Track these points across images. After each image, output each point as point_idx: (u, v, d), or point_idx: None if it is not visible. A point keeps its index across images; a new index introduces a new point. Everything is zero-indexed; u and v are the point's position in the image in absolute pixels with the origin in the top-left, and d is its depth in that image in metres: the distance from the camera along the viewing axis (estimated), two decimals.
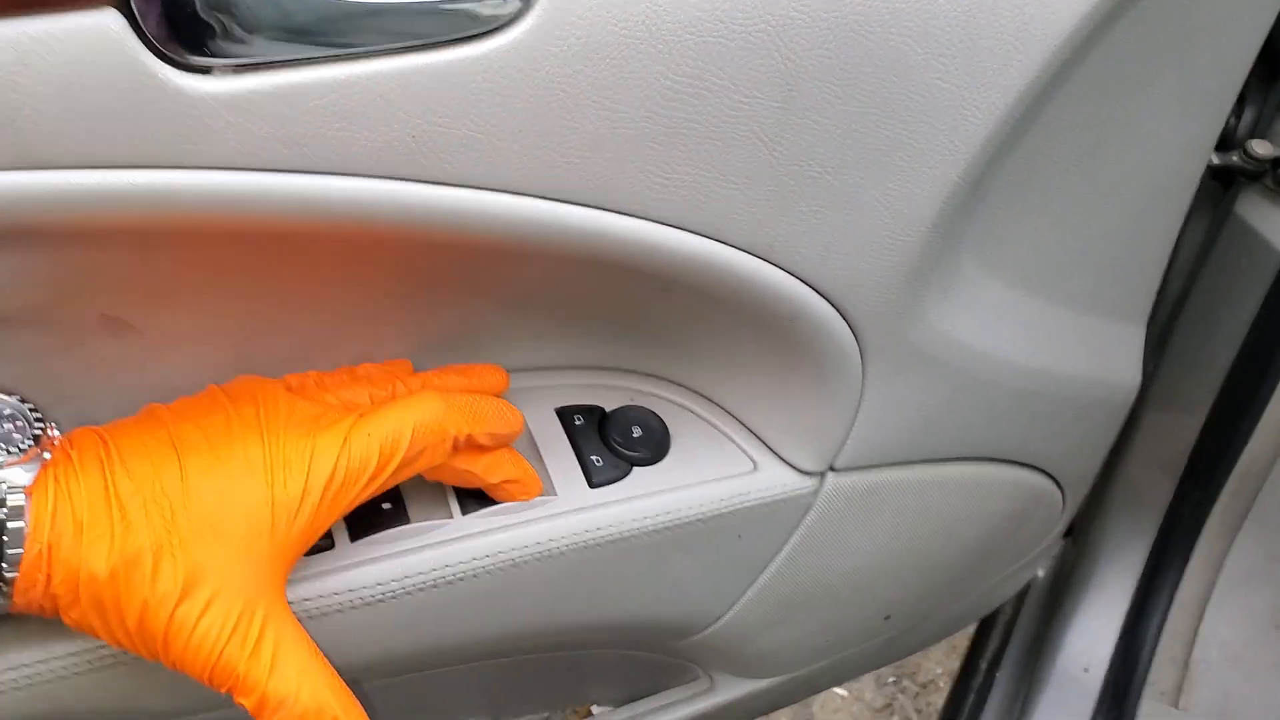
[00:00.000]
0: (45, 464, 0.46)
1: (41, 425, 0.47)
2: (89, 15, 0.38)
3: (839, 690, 1.47)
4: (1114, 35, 0.53)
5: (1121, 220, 0.65)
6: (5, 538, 0.43)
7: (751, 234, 0.52)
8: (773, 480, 0.63)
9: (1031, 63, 0.50)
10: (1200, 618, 0.98)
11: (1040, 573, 1.18)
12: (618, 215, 0.49)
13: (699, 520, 0.62)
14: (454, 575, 0.56)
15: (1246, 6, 0.57)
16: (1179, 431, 0.94)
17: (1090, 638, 1.04)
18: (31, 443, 0.47)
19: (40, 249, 0.45)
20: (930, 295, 0.58)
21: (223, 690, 0.47)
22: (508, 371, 0.61)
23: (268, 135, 0.42)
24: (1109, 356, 0.73)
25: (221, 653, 0.46)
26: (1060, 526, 0.86)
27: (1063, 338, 0.68)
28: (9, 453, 0.46)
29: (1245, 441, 0.88)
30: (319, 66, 0.41)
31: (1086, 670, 1.04)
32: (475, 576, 0.57)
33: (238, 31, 0.40)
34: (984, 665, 1.14)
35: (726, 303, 0.55)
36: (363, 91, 0.42)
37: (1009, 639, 1.15)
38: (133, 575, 0.45)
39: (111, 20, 0.38)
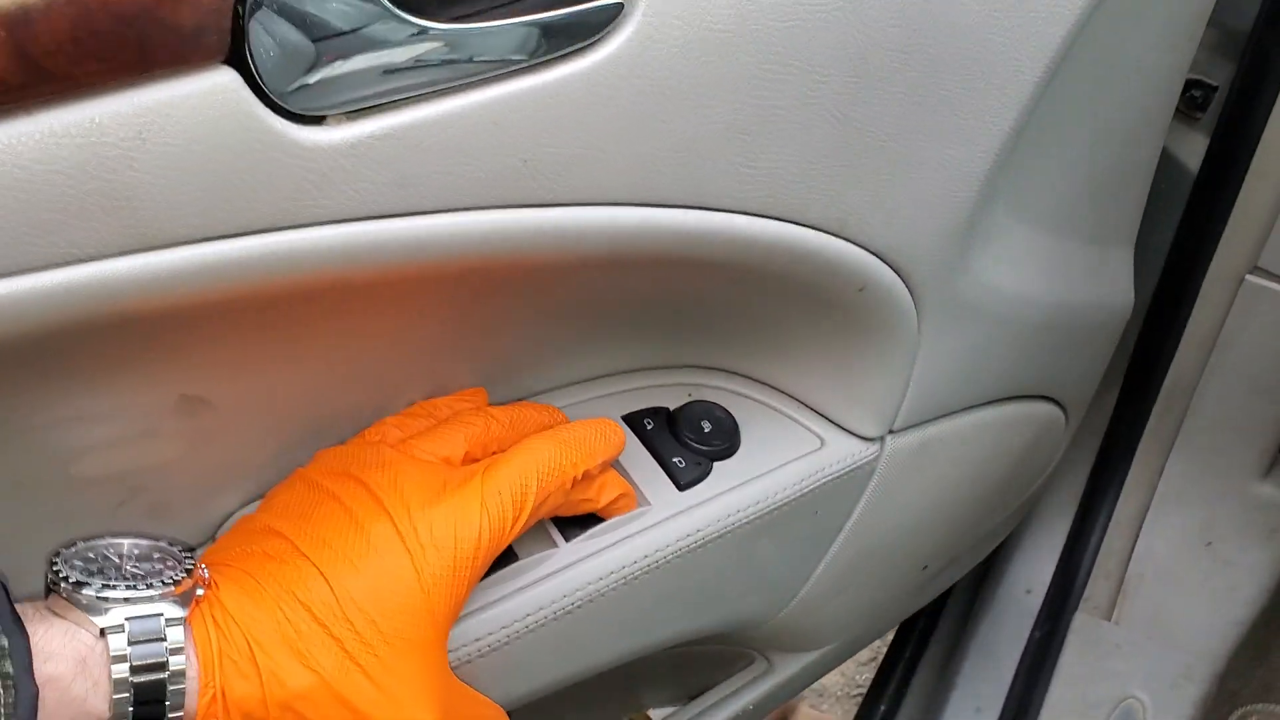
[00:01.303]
0: (197, 600, 0.43)
1: (192, 560, 0.44)
2: (205, 76, 0.35)
3: None
4: None
5: (1117, 150, 0.67)
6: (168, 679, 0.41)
7: (826, 212, 0.52)
8: (841, 452, 0.64)
9: (1070, 8, 0.51)
10: (1136, 536, 1.02)
11: None
12: (707, 212, 0.48)
13: (783, 505, 0.62)
14: (572, 605, 0.55)
15: None
16: (1114, 354, 0.99)
17: (1032, 561, 1.07)
18: (185, 575, 0.43)
19: (135, 334, 0.41)
20: (976, 247, 0.59)
21: None
22: (569, 384, 0.60)
23: (382, 180, 0.40)
24: (1108, 280, 0.75)
25: None
26: (1063, 450, 0.89)
27: (1072, 268, 0.70)
28: (164, 583, 0.42)
29: (1170, 360, 0.93)
30: (428, 103, 0.39)
31: (1029, 592, 1.06)
32: (591, 601, 0.55)
33: (347, 77, 0.38)
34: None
35: (799, 283, 0.55)
36: (475, 122, 0.40)
37: None
38: (327, 696, 0.43)
39: (228, 79, 0.35)
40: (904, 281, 0.57)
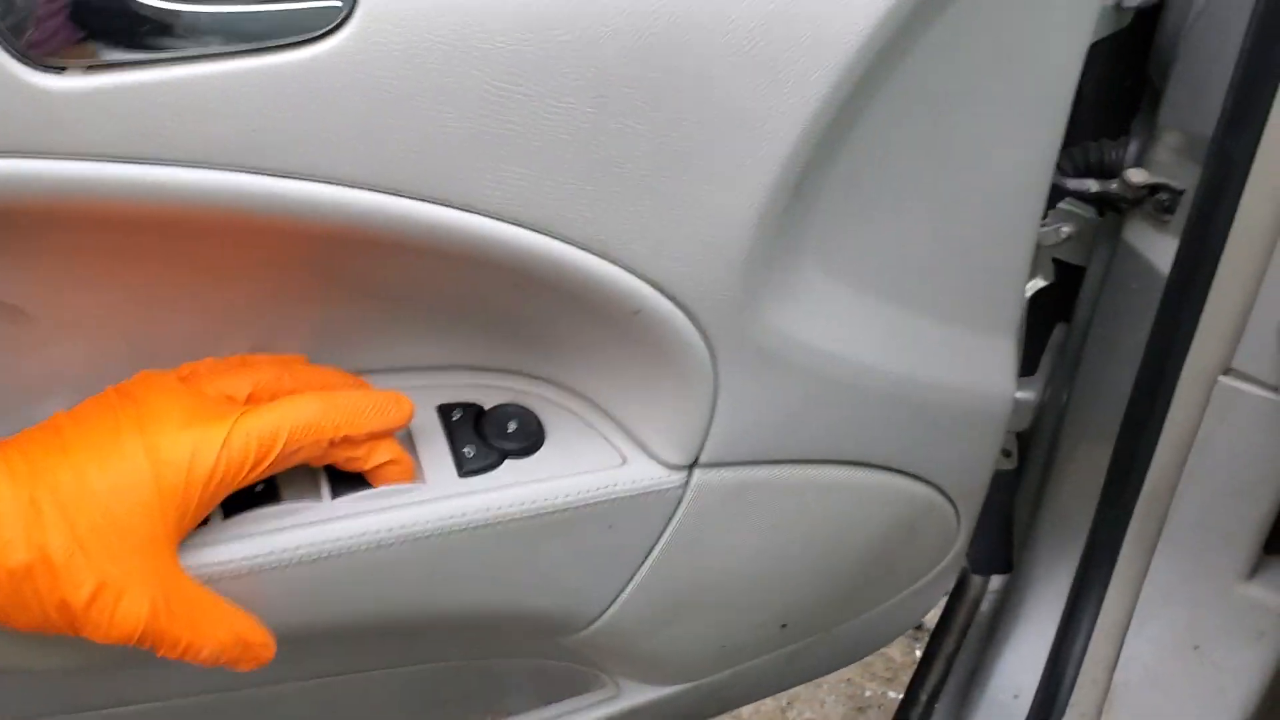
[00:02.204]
0: None
1: None
2: None
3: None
4: (921, 50, 0.58)
5: (969, 232, 0.69)
6: None
7: (584, 231, 0.56)
8: (640, 473, 0.67)
9: (830, 72, 0.55)
10: (1121, 640, 1.00)
11: (984, 607, 1.20)
12: (454, 210, 0.54)
13: (567, 509, 0.66)
14: (320, 554, 0.60)
15: (1055, 28, 0.62)
16: (1094, 456, 0.97)
17: (1020, 665, 1.06)
18: None
19: None
20: (769, 295, 0.63)
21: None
22: (399, 369, 0.66)
23: (118, 128, 0.48)
24: (978, 367, 0.76)
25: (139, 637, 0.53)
26: (959, 543, 0.88)
27: (925, 345, 0.72)
28: None
29: (1148, 461, 0.91)
30: (163, 68, 0.47)
31: (1016, 697, 1.06)
32: (340, 556, 0.61)
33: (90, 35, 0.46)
34: (924, 697, 1.16)
35: (577, 298, 0.60)
36: (204, 89, 0.48)
37: (949, 671, 1.17)
38: (48, 573, 0.51)
39: None
40: (685, 313, 0.61)
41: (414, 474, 0.63)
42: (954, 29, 0.58)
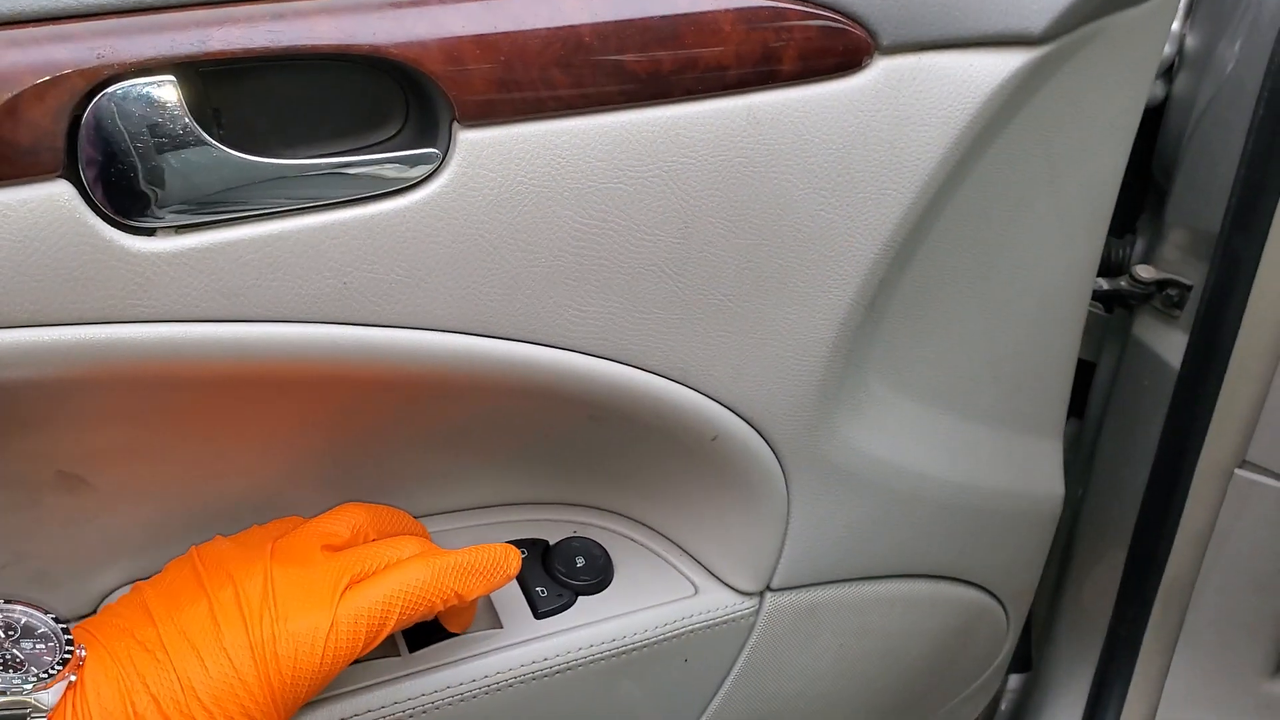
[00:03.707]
0: (68, 688, 0.48)
1: (71, 648, 0.49)
2: (42, 186, 0.42)
3: None
4: (983, 166, 0.59)
5: (1020, 338, 0.69)
6: None
7: (666, 359, 0.56)
8: (713, 602, 0.66)
9: (904, 193, 0.55)
10: None
11: (1004, 706, 1.18)
12: (539, 346, 0.53)
13: (644, 645, 0.64)
14: (403, 712, 0.57)
15: (1100, 141, 0.64)
16: (1111, 552, 0.97)
17: None
18: (60, 666, 0.49)
19: (5, 406, 0.48)
20: (842, 413, 0.62)
21: None
22: (459, 510, 0.64)
23: (206, 288, 0.46)
24: (1029, 469, 0.76)
25: None
26: (1008, 645, 0.87)
27: (980, 452, 0.72)
28: (39, 677, 0.48)
29: (1166, 556, 0.91)
30: (251, 224, 0.46)
31: None
32: (424, 712, 0.58)
33: (176, 198, 0.45)
34: None
35: (652, 428, 0.59)
36: (294, 244, 0.46)
37: None
38: None
39: (62, 189, 0.43)
40: (762, 436, 0.60)
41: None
42: (1011, 145, 0.59)
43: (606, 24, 0.48)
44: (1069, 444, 1.04)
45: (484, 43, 0.46)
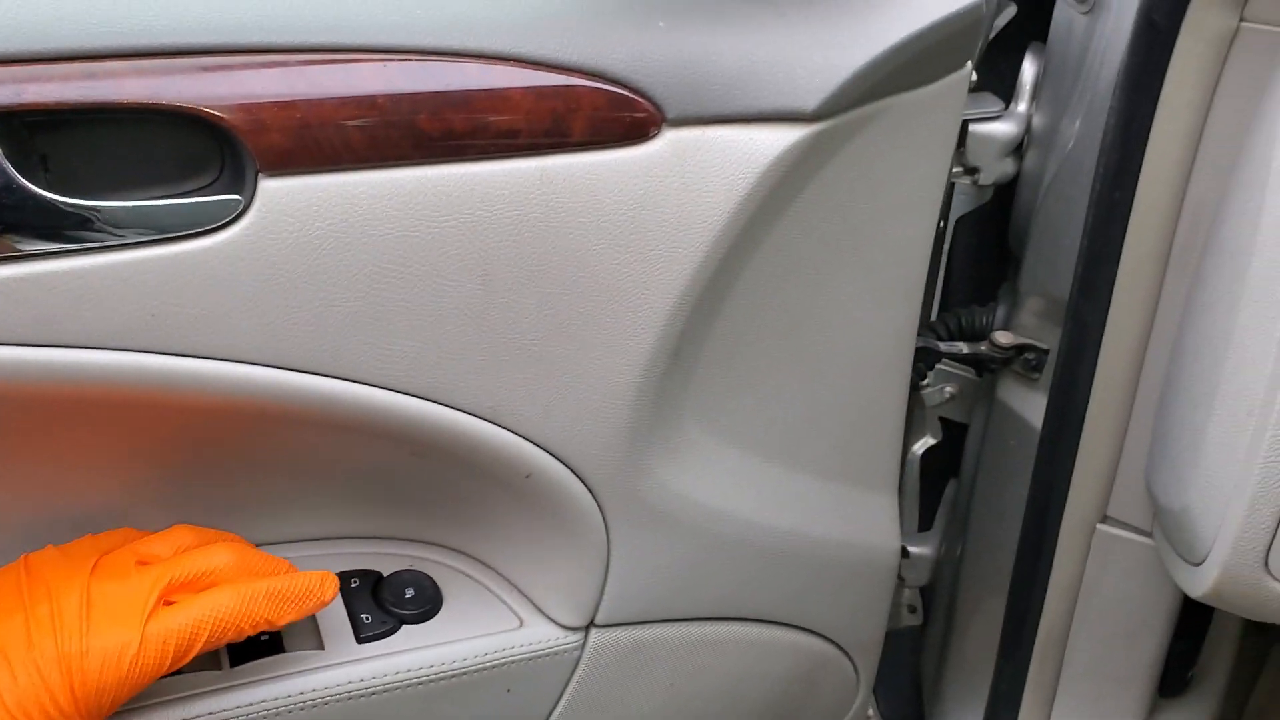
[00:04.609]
0: None
1: None
2: None
3: None
4: (779, 231, 0.63)
5: (838, 394, 0.73)
6: None
7: (475, 398, 0.60)
8: (537, 635, 0.69)
9: (695, 252, 0.60)
10: None
11: None
12: (347, 382, 0.57)
13: (465, 673, 0.67)
14: None
15: (901, 211, 0.68)
16: (991, 608, 1.00)
17: None
18: None
19: None
20: (656, 455, 0.66)
21: None
22: (300, 540, 0.68)
23: (22, 315, 0.51)
24: (862, 521, 0.80)
25: None
26: (859, 699, 0.90)
27: (809, 502, 0.76)
28: None
29: (1039, 611, 0.94)
30: (65, 258, 0.51)
31: None
32: None
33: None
34: None
35: (472, 464, 0.63)
36: (104, 277, 0.51)
37: None
38: None
39: None
40: (576, 474, 0.64)
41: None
42: (806, 213, 0.64)
43: (401, 94, 0.53)
44: (949, 504, 1.07)
45: (282, 103, 0.51)
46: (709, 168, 0.58)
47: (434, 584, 0.70)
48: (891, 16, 0.60)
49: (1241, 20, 0.66)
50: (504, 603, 0.71)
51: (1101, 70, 0.76)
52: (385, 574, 0.70)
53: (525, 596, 0.71)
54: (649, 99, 0.57)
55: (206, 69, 0.51)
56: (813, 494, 0.76)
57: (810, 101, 0.58)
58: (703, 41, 0.58)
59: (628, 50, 0.56)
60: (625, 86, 0.56)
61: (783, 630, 0.79)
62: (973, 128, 0.83)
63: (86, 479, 0.62)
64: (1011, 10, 0.85)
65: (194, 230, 0.52)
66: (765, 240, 0.63)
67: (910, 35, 0.60)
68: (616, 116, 0.57)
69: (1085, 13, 0.78)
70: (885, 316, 0.72)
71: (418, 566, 0.71)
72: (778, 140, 0.59)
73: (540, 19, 0.56)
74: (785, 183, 0.60)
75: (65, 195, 0.50)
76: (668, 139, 0.58)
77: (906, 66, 0.61)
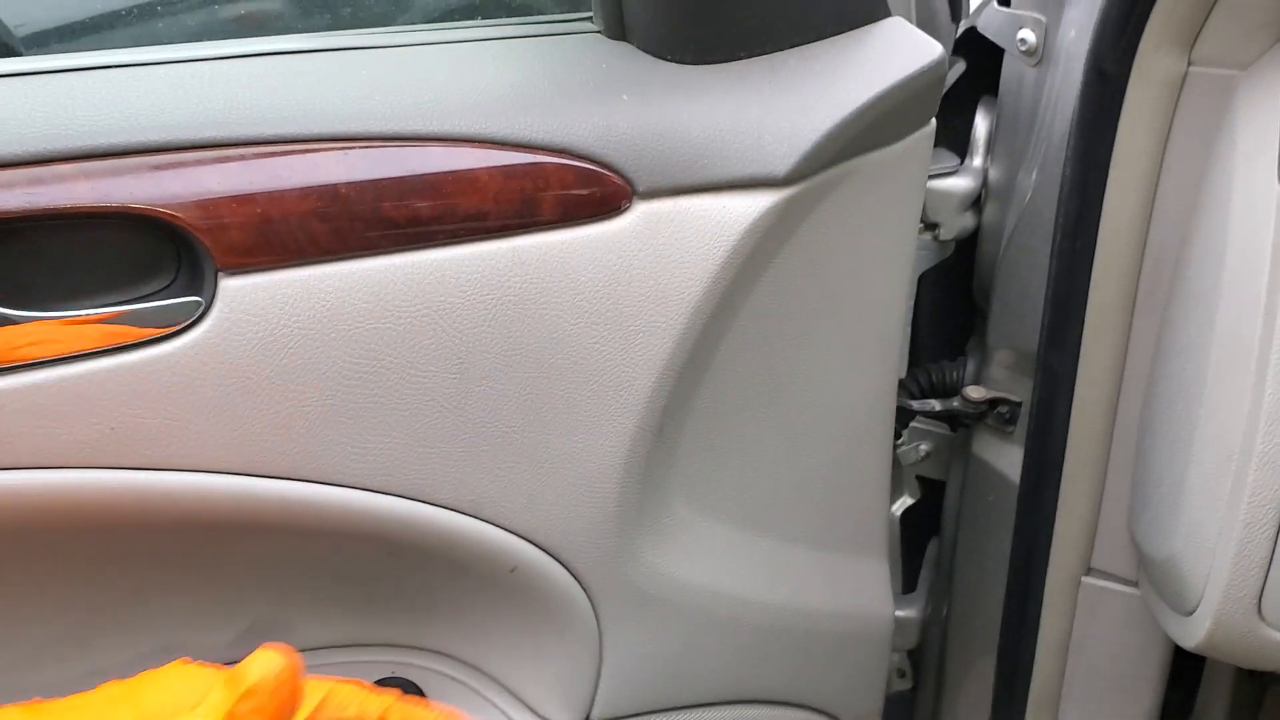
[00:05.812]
0: None
1: None
2: None
3: None
4: (757, 296, 0.62)
5: (824, 460, 0.72)
6: None
7: (455, 493, 0.57)
8: None
9: (674, 323, 0.58)
10: None
11: None
12: (319, 485, 0.54)
13: None
14: None
15: (876, 268, 0.68)
16: (981, 667, 0.98)
17: None
18: None
19: None
20: (645, 538, 0.64)
21: None
22: None
23: None
24: (855, 590, 0.78)
25: None
26: None
27: (801, 574, 0.73)
28: None
29: (1030, 667, 0.92)
30: (16, 374, 0.48)
31: None
32: None
33: None
34: None
35: (452, 561, 0.60)
36: (59, 392, 0.48)
37: None
38: None
39: None
40: (562, 565, 0.61)
41: None
42: (783, 277, 0.63)
43: (364, 181, 0.51)
44: (932, 564, 1.06)
45: (240, 198, 0.49)
46: (682, 238, 0.57)
47: (418, 690, 0.66)
48: (856, 78, 0.60)
49: (1190, 64, 0.66)
50: (493, 704, 0.67)
51: (1054, 121, 0.76)
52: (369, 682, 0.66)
53: (515, 696, 0.67)
54: (618, 173, 0.56)
55: (158, 167, 0.49)
56: (804, 565, 0.74)
57: (780, 167, 0.57)
58: (669, 112, 0.57)
59: (594, 125, 0.55)
60: (593, 161, 0.55)
61: (783, 710, 0.77)
62: (930, 184, 0.83)
63: (48, 601, 0.58)
64: (961, 66, 0.86)
65: (153, 336, 0.50)
66: (743, 307, 0.62)
67: (876, 95, 0.59)
68: (586, 193, 0.55)
69: (1034, 65, 0.78)
70: (865, 376, 0.71)
71: (400, 673, 0.68)
72: (750, 207, 0.57)
73: (502, 98, 0.55)
74: (760, 248, 0.59)
75: (15, 309, 0.48)
76: (639, 212, 0.56)
77: (873, 126, 0.60)
